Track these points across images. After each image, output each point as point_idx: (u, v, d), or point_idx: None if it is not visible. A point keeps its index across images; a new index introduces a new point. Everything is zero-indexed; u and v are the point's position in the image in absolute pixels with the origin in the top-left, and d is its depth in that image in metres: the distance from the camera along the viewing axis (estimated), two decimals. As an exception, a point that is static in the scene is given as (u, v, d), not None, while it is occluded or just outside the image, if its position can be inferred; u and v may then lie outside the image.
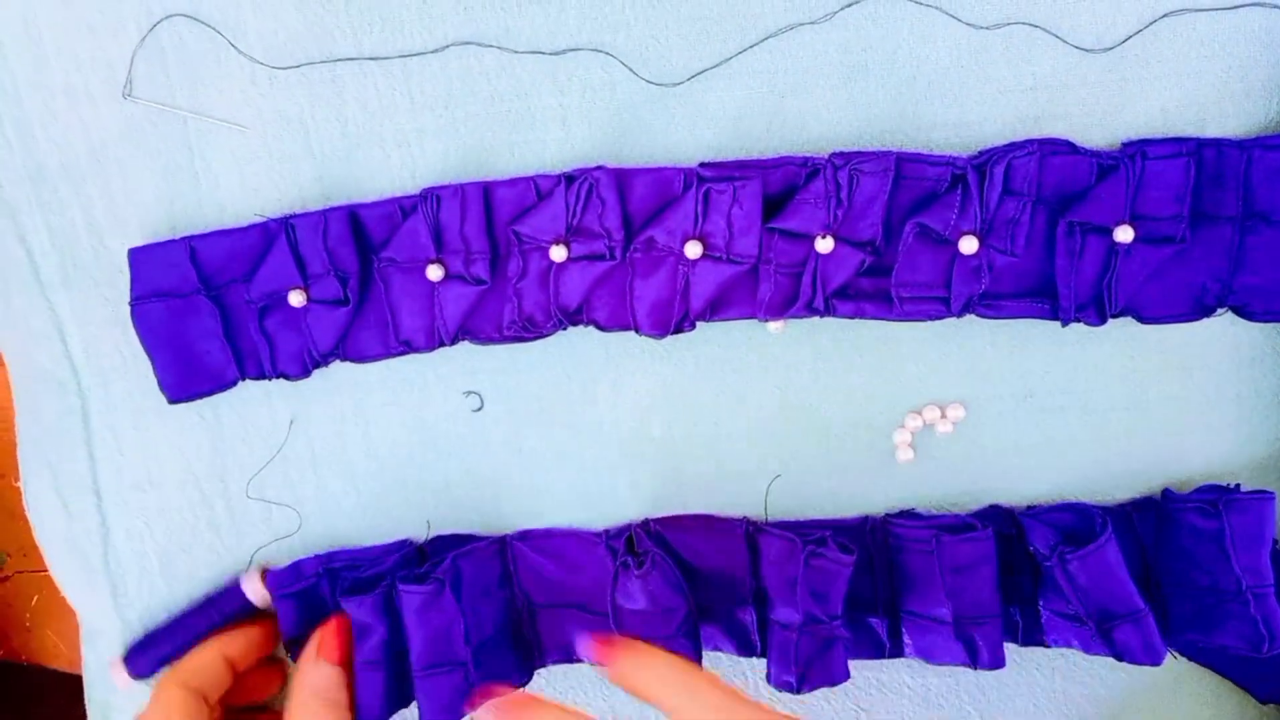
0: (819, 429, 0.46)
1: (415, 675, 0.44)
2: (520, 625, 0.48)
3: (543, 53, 0.42)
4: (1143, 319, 0.43)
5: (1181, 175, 0.40)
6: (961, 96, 0.42)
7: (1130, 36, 0.41)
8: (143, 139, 0.43)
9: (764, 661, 0.46)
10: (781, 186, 0.42)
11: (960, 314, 0.42)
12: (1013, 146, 0.41)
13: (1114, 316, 0.42)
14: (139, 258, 0.43)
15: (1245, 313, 0.42)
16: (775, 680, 0.44)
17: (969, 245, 0.41)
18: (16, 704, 0.50)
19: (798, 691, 0.43)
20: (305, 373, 0.44)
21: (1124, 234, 0.40)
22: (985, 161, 0.40)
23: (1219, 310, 0.43)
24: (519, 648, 0.48)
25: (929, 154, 0.41)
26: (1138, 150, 0.40)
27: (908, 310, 0.42)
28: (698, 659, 0.44)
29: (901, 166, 0.41)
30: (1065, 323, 0.42)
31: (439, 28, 0.41)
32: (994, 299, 0.43)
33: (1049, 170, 0.41)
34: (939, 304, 0.42)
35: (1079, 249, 0.41)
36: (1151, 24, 0.40)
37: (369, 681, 0.44)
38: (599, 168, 0.42)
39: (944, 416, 0.45)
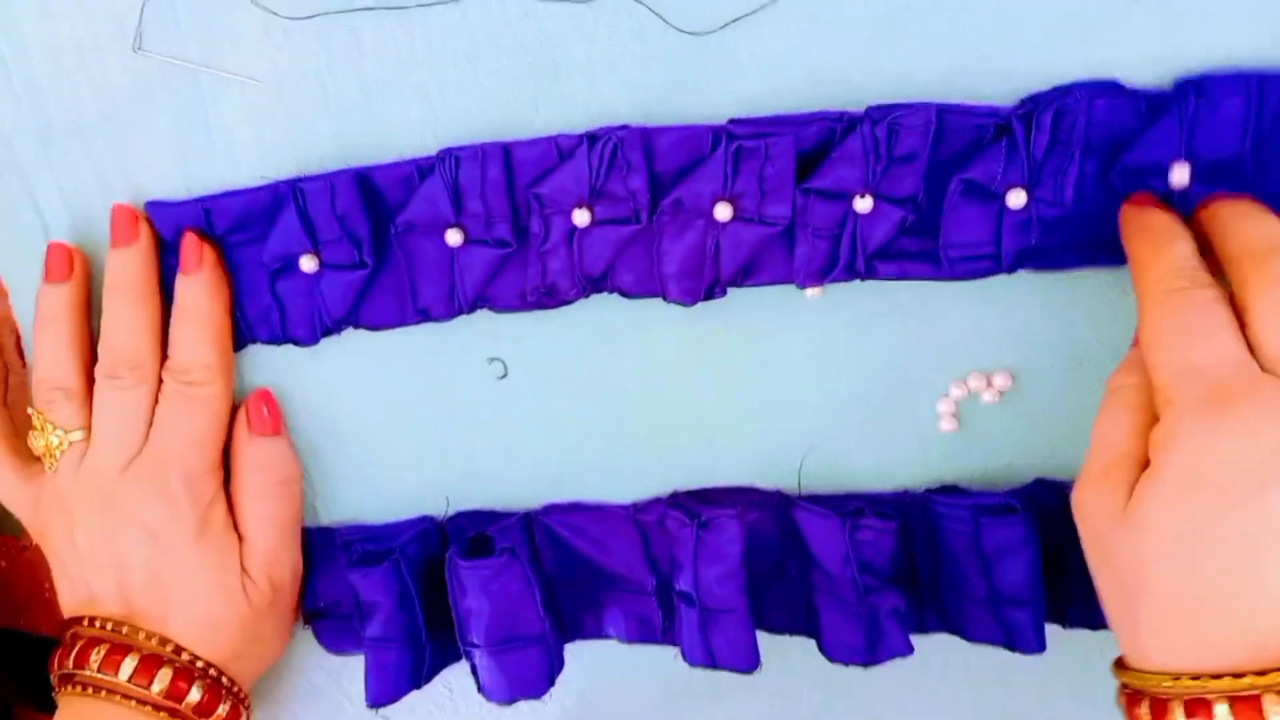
0: (857, 398, 0.44)
1: (486, 651, 0.44)
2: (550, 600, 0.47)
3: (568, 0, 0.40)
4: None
5: (1241, 112, 0.38)
6: (1007, 43, 0.39)
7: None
8: (154, 95, 0.42)
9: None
10: (816, 143, 0.40)
11: (1011, 270, 0.41)
12: (1058, 92, 0.39)
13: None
14: (157, 212, 0.42)
15: (1313, 265, 0.40)
16: (840, 655, 0.43)
17: (1017, 199, 0.39)
18: (35, 674, 0.50)
19: (866, 665, 0.42)
20: (315, 339, 0.44)
21: (1180, 175, 0.38)
22: (1030, 110, 0.38)
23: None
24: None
25: (971, 105, 0.39)
26: (1192, 87, 0.38)
27: (955, 270, 0.41)
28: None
29: (943, 119, 0.39)
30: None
31: (460, -25, 0.40)
32: (1045, 253, 0.41)
33: (1097, 113, 0.39)
34: (988, 261, 0.40)
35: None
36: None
37: (378, 659, 0.43)
38: (623, 127, 0.40)
39: (990, 385, 0.43)
